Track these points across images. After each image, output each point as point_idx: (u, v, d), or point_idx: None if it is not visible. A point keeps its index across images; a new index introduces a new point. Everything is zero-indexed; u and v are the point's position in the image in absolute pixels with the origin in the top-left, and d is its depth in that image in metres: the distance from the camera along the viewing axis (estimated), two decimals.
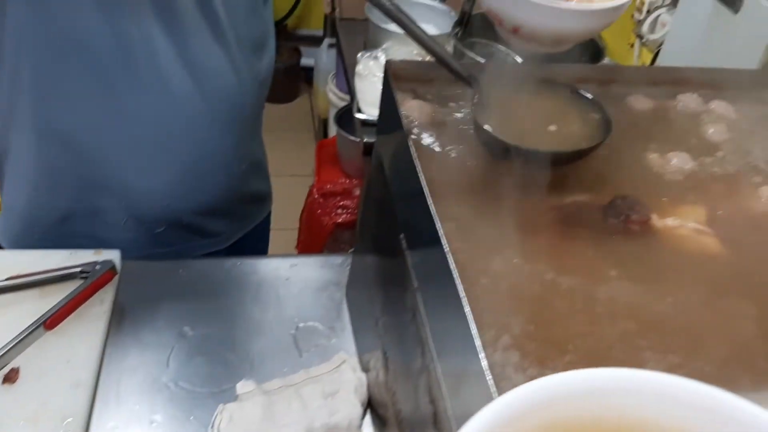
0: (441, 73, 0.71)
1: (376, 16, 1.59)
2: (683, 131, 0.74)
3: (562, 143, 0.64)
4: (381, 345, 0.77)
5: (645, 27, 1.41)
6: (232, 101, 1.01)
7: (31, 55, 0.86)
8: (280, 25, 3.25)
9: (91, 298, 0.88)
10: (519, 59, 1.16)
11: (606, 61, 1.42)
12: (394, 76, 0.70)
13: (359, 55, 1.56)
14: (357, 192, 1.97)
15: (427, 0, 1.77)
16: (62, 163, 0.96)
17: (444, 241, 0.52)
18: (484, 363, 0.44)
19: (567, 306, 0.53)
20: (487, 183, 0.62)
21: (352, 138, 1.92)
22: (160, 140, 0.96)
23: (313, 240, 2.03)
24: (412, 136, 0.64)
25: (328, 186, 2.01)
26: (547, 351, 0.49)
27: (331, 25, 2.77)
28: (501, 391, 0.43)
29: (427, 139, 0.66)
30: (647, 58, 1.44)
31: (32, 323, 0.83)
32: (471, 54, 1.33)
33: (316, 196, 2.00)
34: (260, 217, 1.24)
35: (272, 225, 1.32)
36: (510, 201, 0.61)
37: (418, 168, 0.59)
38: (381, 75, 0.72)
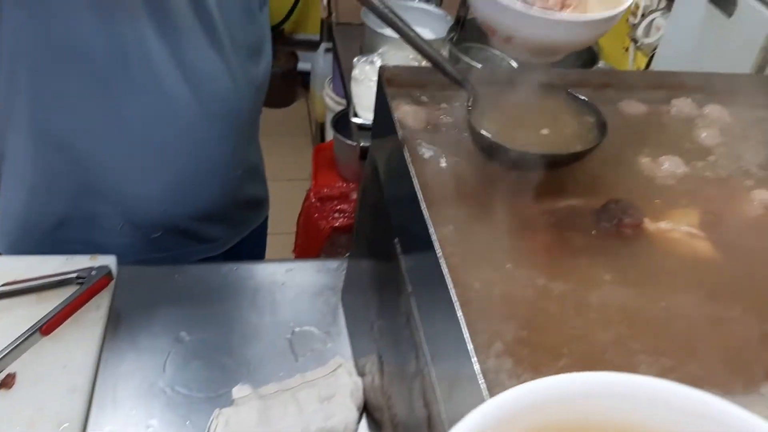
0: (435, 77, 0.72)
1: (372, 21, 1.60)
2: (676, 135, 0.74)
3: (557, 146, 0.65)
4: (376, 349, 0.77)
5: (639, 31, 1.41)
6: (228, 106, 1.01)
7: (27, 59, 0.87)
8: (277, 30, 3.26)
9: (87, 304, 0.88)
10: (514, 64, 1.17)
11: (601, 64, 1.43)
12: (387, 82, 0.70)
13: (355, 59, 1.56)
14: (354, 196, 1.97)
15: (424, 4, 1.77)
16: (59, 168, 0.96)
17: (437, 245, 0.52)
18: (477, 367, 0.44)
19: (560, 310, 0.54)
20: (481, 187, 0.63)
21: (349, 142, 1.92)
22: (156, 145, 0.96)
23: (310, 244, 2.03)
24: (406, 141, 0.65)
25: (325, 190, 2.01)
26: (541, 355, 0.50)
27: (327, 30, 2.78)
28: (494, 395, 0.43)
29: (420, 144, 0.66)
30: (642, 61, 1.45)
31: (28, 329, 0.83)
32: (466, 58, 1.33)
33: (313, 200, 2.01)
34: (257, 222, 1.24)
35: (269, 229, 1.32)
36: (503, 205, 0.61)
37: (412, 172, 0.60)
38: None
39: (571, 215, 0.61)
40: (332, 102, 2.57)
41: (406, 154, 0.62)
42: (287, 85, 3.31)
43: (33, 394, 0.78)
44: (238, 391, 0.81)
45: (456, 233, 0.56)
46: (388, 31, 1.58)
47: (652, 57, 1.37)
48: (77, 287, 0.89)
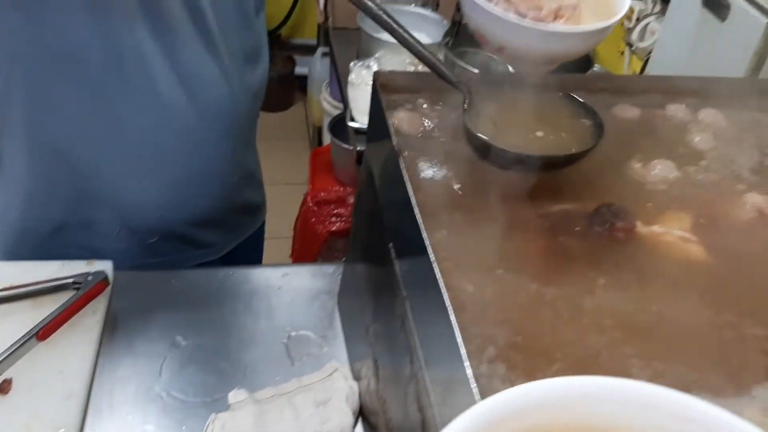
0: (429, 83, 0.72)
1: (368, 26, 1.60)
2: (670, 140, 0.74)
3: (553, 148, 0.64)
4: (372, 353, 0.78)
5: (634, 35, 1.42)
6: (225, 112, 1.01)
7: (23, 64, 0.87)
8: (274, 35, 3.27)
9: (83, 309, 0.89)
10: (510, 68, 1.17)
11: (596, 68, 1.44)
12: (381, 87, 0.70)
13: (352, 64, 1.57)
14: (351, 200, 1.98)
15: (420, 9, 1.78)
16: (55, 173, 0.96)
17: (430, 250, 0.53)
18: (469, 372, 0.45)
19: (553, 315, 0.54)
20: (474, 192, 0.63)
21: (346, 146, 1.93)
22: (152, 151, 0.96)
23: (307, 248, 2.03)
24: (400, 146, 0.65)
25: (322, 194, 2.01)
26: (534, 360, 0.50)
27: (324, 34, 2.78)
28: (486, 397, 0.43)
29: (414, 149, 0.67)
30: (637, 65, 1.45)
31: (25, 334, 0.83)
32: (461, 63, 1.34)
33: (311, 204, 2.01)
34: (254, 227, 1.24)
35: (267, 233, 1.33)
36: (497, 210, 0.61)
37: (406, 177, 0.60)
38: None
39: (564, 219, 0.61)
40: (329, 106, 2.57)
41: (400, 159, 0.62)
42: (285, 90, 3.31)
43: (29, 400, 0.79)
44: (234, 395, 0.82)
45: (450, 238, 0.57)
46: (385, 36, 1.58)
47: (647, 61, 1.37)
48: (74, 292, 0.89)
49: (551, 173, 0.66)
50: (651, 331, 0.54)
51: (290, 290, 0.99)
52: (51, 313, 0.85)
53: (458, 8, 1.44)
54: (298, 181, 2.68)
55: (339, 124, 2.02)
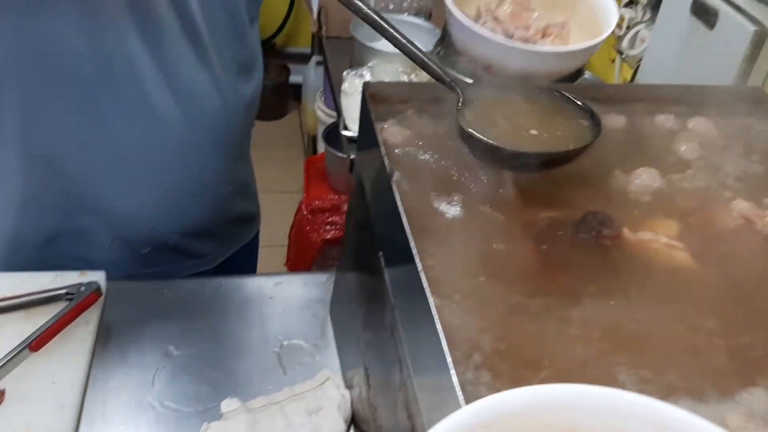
0: (418, 93, 0.73)
1: (361, 35, 1.61)
2: (658, 148, 0.75)
3: (548, 146, 0.64)
4: (363, 362, 0.78)
5: (625, 43, 1.43)
6: (217, 123, 1.01)
7: (15, 78, 0.87)
8: (268, 43, 3.28)
9: (76, 320, 0.89)
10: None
11: (587, 76, 1.44)
12: (371, 97, 0.71)
13: (345, 73, 1.58)
14: (345, 208, 1.98)
15: (413, 18, 1.78)
16: (48, 182, 0.96)
17: (417, 259, 0.53)
18: (455, 379, 0.45)
19: (540, 322, 0.54)
20: (462, 201, 0.63)
21: (340, 154, 1.93)
22: (145, 162, 0.97)
23: (302, 256, 2.04)
24: (389, 156, 0.65)
25: (317, 202, 2.02)
26: (521, 368, 0.50)
27: (318, 44, 2.79)
28: None
29: (403, 158, 0.67)
30: (628, 73, 1.46)
31: (17, 345, 0.83)
32: (453, 72, 1.34)
33: (305, 212, 2.01)
34: (248, 237, 1.24)
35: (261, 242, 1.33)
36: (484, 219, 0.62)
37: (394, 186, 0.60)
38: None
39: (551, 227, 0.62)
40: (323, 114, 2.58)
41: (389, 169, 0.63)
42: (279, 98, 3.32)
43: (22, 411, 0.79)
44: (227, 405, 0.82)
45: (437, 246, 0.57)
46: (378, 45, 1.59)
47: (637, 68, 1.38)
48: (66, 303, 0.89)
49: (542, 175, 0.66)
50: (637, 337, 0.55)
51: (283, 299, 0.99)
52: (44, 324, 0.85)
53: None
54: (292, 190, 2.68)
55: (333, 133, 2.03)
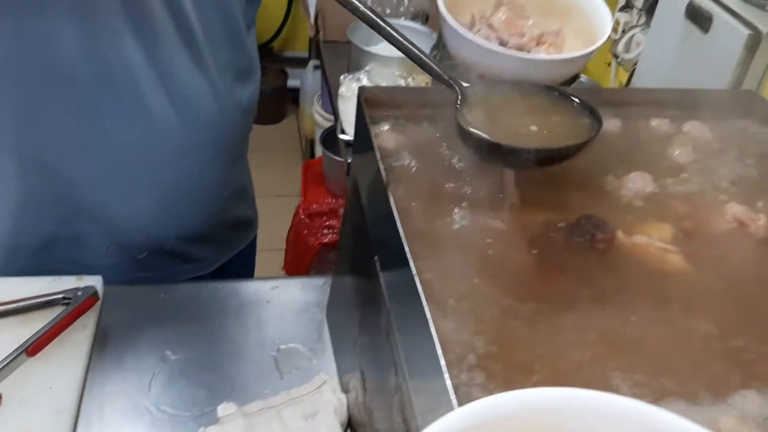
0: (413, 97, 0.73)
1: (358, 39, 1.61)
2: (652, 152, 0.75)
3: (548, 142, 0.64)
4: (359, 366, 0.78)
5: (620, 46, 1.43)
6: (214, 128, 1.01)
7: (11, 80, 0.87)
8: (266, 47, 3.29)
9: (73, 324, 0.89)
10: None
11: (583, 79, 1.45)
12: (366, 102, 0.71)
13: (342, 77, 1.58)
14: (343, 212, 1.99)
15: (409, 22, 1.79)
16: (45, 186, 0.96)
17: (412, 262, 0.53)
18: (449, 383, 0.45)
19: (534, 326, 0.55)
20: (457, 205, 0.64)
21: (337, 158, 1.94)
22: (142, 167, 0.97)
23: (299, 260, 2.04)
24: (384, 160, 0.66)
25: (315, 206, 2.02)
26: (514, 371, 0.51)
27: (315, 48, 2.80)
28: None
29: (398, 163, 0.67)
30: (623, 76, 1.47)
31: (14, 350, 0.83)
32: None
33: (303, 216, 2.02)
34: (245, 242, 1.24)
35: (259, 245, 1.33)
36: (479, 223, 0.62)
37: (389, 190, 0.61)
38: None
39: (545, 231, 0.62)
40: (321, 118, 2.58)
41: (383, 173, 0.63)
42: (277, 102, 3.33)
43: (19, 415, 0.79)
44: (224, 409, 0.82)
45: (431, 250, 0.57)
46: (375, 49, 1.60)
47: (633, 72, 1.39)
48: (63, 308, 0.89)
49: (537, 178, 0.66)
50: (631, 341, 0.55)
51: (279, 303, 1.00)
52: (41, 329, 0.85)
53: None
54: (290, 193, 2.68)
55: (331, 137, 2.03)
